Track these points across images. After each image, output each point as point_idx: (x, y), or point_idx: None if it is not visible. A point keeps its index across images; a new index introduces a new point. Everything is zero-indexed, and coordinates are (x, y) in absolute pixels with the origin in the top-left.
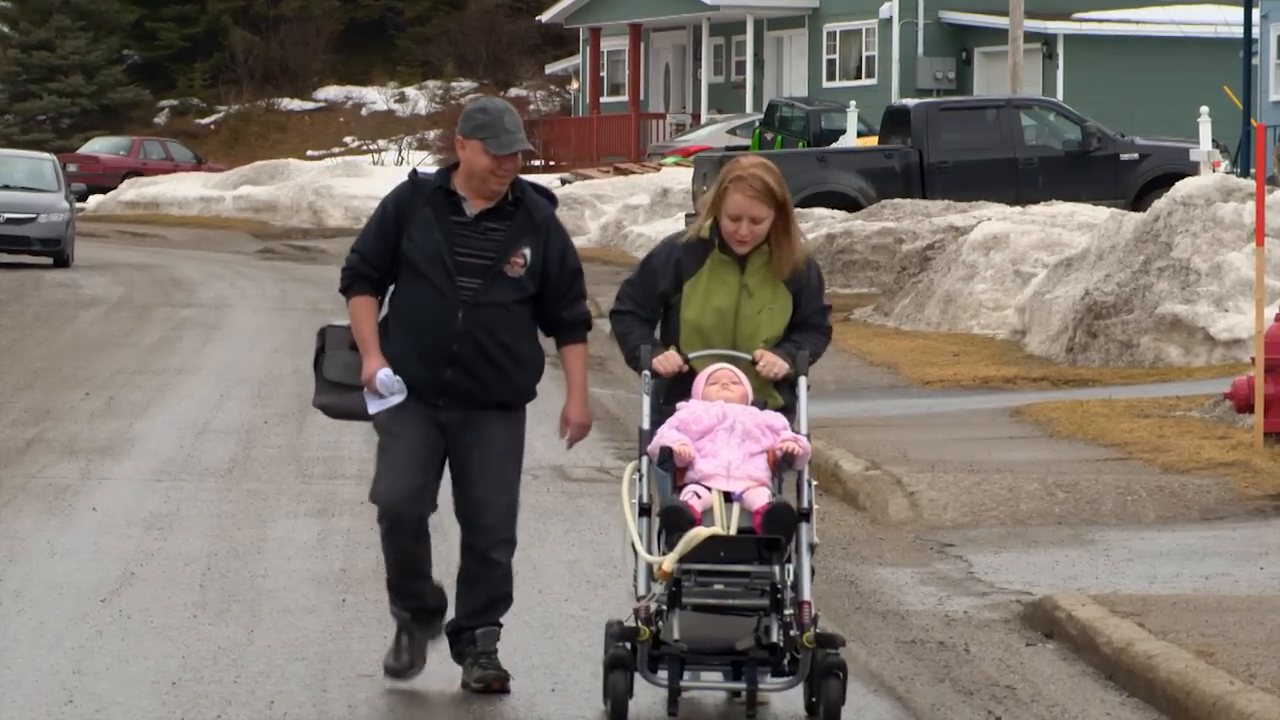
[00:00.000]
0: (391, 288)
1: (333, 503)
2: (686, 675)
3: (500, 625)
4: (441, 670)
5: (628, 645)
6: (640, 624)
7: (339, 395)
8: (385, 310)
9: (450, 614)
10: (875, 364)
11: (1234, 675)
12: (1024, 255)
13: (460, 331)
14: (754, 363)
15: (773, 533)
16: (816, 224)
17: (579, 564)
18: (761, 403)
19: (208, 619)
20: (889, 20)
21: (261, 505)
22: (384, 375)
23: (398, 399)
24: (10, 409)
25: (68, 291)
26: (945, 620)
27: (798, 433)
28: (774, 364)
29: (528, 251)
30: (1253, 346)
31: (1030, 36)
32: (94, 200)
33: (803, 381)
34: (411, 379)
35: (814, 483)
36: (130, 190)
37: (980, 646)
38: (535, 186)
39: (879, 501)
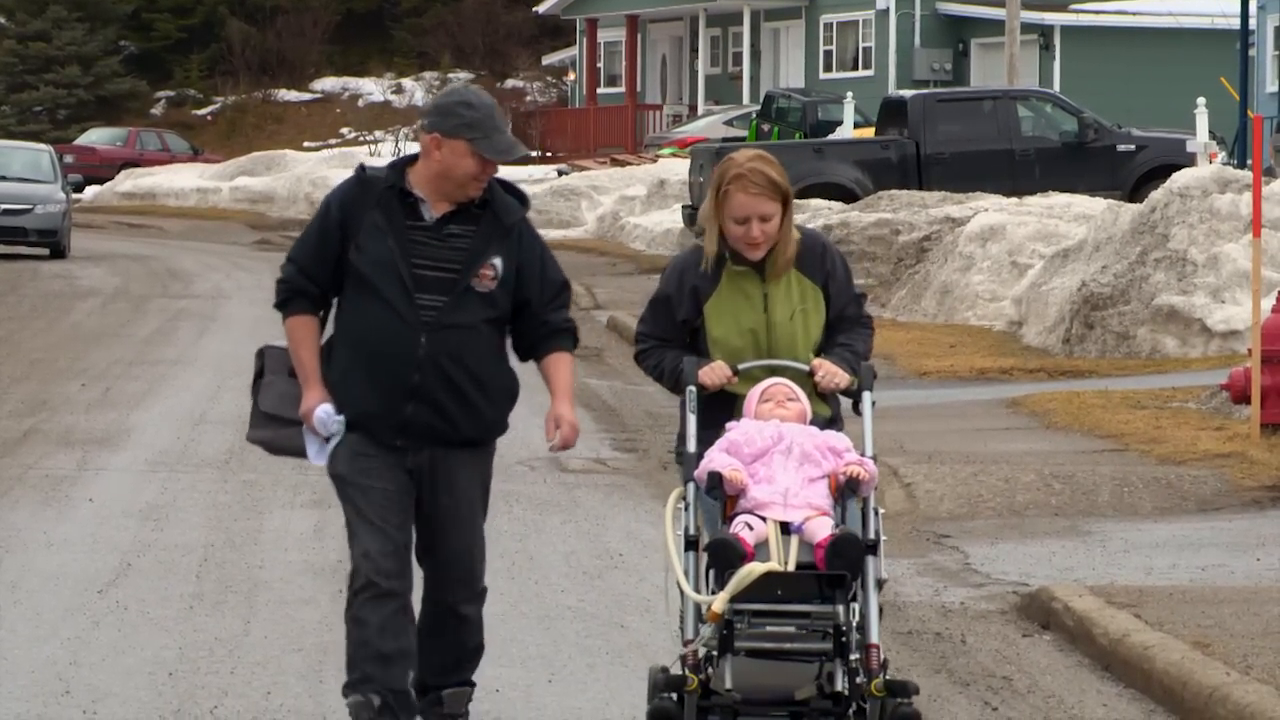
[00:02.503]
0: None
1: (329, 494)
2: None
3: (473, 685)
4: None
5: (674, 697)
6: (687, 672)
7: (275, 430)
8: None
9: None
10: (872, 354)
11: (1230, 666)
12: (1021, 246)
13: (423, 359)
14: (811, 373)
15: (837, 568)
16: (813, 215)
17: (575, 555)
18: (822, 421)
19: (204, 610)
20: (886, 11)
21: (258, 496)
22: (321, 412)
23: (335, 441)
24: (7, 400)
25: (64, 282)
26: (942, 611)
27: (862, 454)
28: (834, 374)
29: (498, 262)
30: (1249, 338)
31: (1027, 28)
32: (90, 191)
33: (867, 397)
34: (364, 415)
35: (881, 511)
36: (127, 181)
37: (977, 637)
38: (505, 184)
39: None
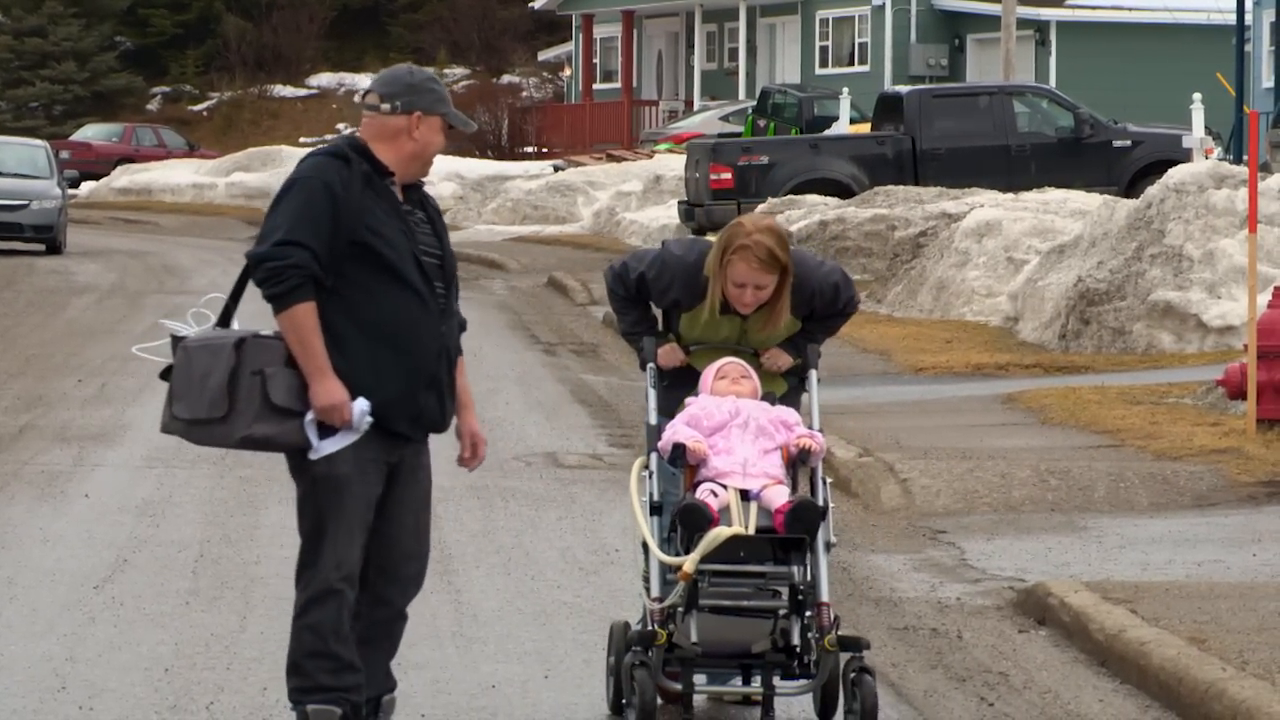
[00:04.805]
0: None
1: None
2: (697, 678)
3: (395, 685)
4: (434, 658)
5: (646, 650)
6: (657, 627)
7: (280, 424)
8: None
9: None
10: (868, 351)
11: (1226, 662)
12: (1017, 242)
13: (442, 349)
14: (756, 354)
15: (797, 531)
16: (809, 211)
17: (571, 551)
18: (772, 396)
19: (200, 606)
20: (882, 7)
21: (254, 492)
22: (363, 405)
23: (355, 436)
24: (2, 396)
25: (60, 278)
26: (938, 607)
27: (810, 427)
28: (778, 355)
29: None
30: (1245, 333)
31: (1023, 23)
32: (86, 187)
33: (813, 375)
34: (385, 403)
35: (829, 480)
36: (123, 177)
37: (973, 633)
38: None
39: (871, 488)
